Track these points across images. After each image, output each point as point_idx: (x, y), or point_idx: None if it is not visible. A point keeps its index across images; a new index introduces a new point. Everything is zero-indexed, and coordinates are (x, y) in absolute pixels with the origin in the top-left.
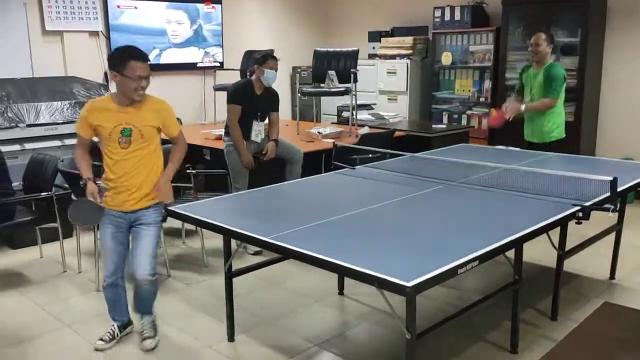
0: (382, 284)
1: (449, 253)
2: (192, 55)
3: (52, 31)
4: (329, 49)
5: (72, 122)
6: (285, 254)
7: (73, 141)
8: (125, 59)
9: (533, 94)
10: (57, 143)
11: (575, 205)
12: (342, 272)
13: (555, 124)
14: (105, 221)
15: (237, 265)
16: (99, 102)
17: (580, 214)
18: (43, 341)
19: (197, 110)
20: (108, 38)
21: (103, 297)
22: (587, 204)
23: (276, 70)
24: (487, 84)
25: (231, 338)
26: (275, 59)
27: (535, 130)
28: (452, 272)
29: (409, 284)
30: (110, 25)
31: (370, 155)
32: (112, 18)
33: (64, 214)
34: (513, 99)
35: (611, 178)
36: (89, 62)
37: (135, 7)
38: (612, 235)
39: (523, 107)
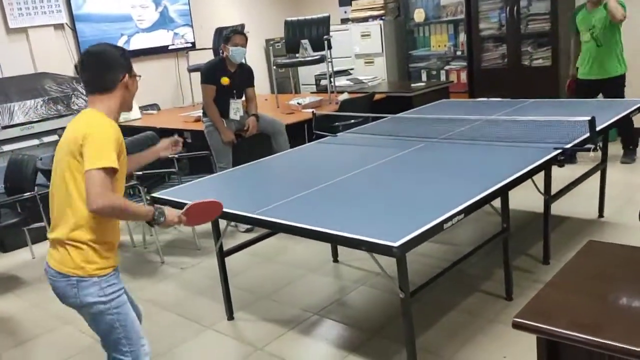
0: (371, 247)
1: (434, 209)
2: (161, 38)
3: (16, 28)
4: (300, 18)
5: (47, 119)
6: (273, 229)
7: (51, 138)
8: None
9: (595, 30)
10: (35, 142)
11: (556, 148)
12: (330, 240)
13: (622, 57)
14: (120, 291)
15: (229, 244)
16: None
17: (562, 157)
18: (45, 340)
19: (174, 94)
20: (74, 29)
21: None
22: (568, 146)
23: (243, 46)
24: (462, 37)
25: (230, 317)
26: (241, 34)
27: (602, 57)
28: (438, 228)
29: (396, 244)
30: (74, 16)
31: (352, 121)
32: (76, 8)
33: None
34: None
35: (589, 118)
36: (58, 56)
37: None
38: (598, 175)
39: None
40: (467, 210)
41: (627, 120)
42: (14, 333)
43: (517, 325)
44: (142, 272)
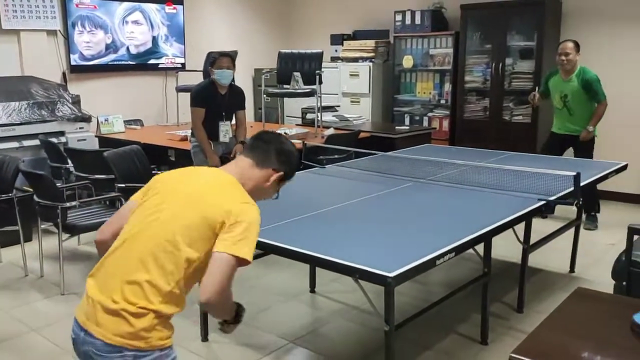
0: (363, 275)
1: (424, 246)
2: (152, 56)
3: (8, 30)
4: (294, 51)
5: (29, 123)
6: (266, 250)
7: (32, 142)
8: None
9: (569, 100)
10: (15, 144)
11: (540, 200)
12: (324, 265)
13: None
14: None
15: None
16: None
17: (544, 209)
18: (10, 345)
19: (159, 112)
20: (66, 37)
21: (68, 301)
22: (552, 198)
23: (229, 68)
24: (447, 86)
25: (205, 338)
26: (228, 56)
27: (575, 123)
28: (431, 263)
29: (391, 275)
30: (68, 25)
31: (336, 156)
32: (71, 17)
33: (24, 216)
34: (537, 97)
35: (574, 173)
36: (47, 61)
37: (95, 7)
38: (571, 231)
39: (591, 128)
40: (458, 250)
41: (590, 185)
42: None
43: None
44: None
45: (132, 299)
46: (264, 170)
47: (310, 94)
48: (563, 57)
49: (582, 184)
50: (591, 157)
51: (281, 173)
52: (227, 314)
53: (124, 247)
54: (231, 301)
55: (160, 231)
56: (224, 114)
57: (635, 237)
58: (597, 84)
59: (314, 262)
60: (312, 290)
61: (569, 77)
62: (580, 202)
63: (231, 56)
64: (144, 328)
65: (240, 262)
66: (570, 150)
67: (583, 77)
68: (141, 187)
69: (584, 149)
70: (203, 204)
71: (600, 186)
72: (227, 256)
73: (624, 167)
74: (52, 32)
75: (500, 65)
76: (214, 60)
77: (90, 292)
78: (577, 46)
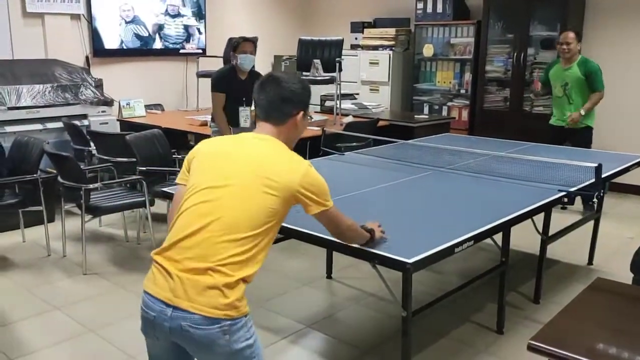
0: (382, 261)
1: (443, 233)
2: (174, 40)
3: (33, 13)
4: (314, 38)
5: (53, 105)
6: (288, 234)
7: (55, 125)
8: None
9: (569, 88)
10: (39, 126)
11: (560, 190)
12: (343, 251)
13: (590, 112)
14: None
15: None
16: None
17: (566, 199)
18: (33, 323)
19: (179, 97)
20: (90, 22)
21: (90, 280)
22: (572, 189)
23: (252, 53)
24: (468, 76)
25: None
26: (250, 41)
27: (573, 111)
28: (450, 251)
29: (410, 260)
30: (92, 9)
31: (355, 144)
32: (95, 1)
33: (48, 197)
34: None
35: (596, 164)
36: (70, 45)
37: None
38: (589, 224)
39: (583, 111)
40: (477, 238)
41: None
42: (2, 313)
43: (532, 348)
44: (135, 267)
45: (226, 270)
46: (287, 123)
47: (330, 81)
48: (565, 46)
49: (603, 176)
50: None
51: (301, 111)
52: (363, 239)
53: (200, 223)
54: (360, 232)
55: (235, 201)
56: (244, 99)
57: None
58: (599, 72)
59: (333, 247)
60: (329, 277)
61: (570, 65)
62: (602, 194)
63: (253, 41)
64: (237, 298)
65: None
66: (600, 143)
67: (585, 66)
68: (161, 170)
69: (581, 139)
70: (267, 170)
71: (620, 179)
72: (327, 212)
73: None
74: (75, 16)
75: (522, 55)
76: (236, 44)
77: (171, 269)
78: (578, 36)
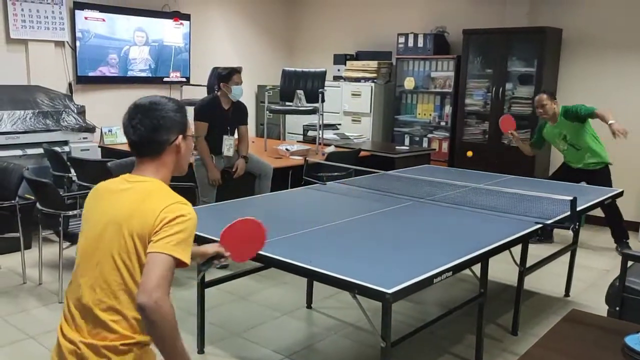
0: (362, 291)
1: (423, 264)
2: (158, 70)
3: (16, 39)
4: (297, 69)
5: (34, 131)
6: (268, 264)
7: (35, 151)
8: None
9: (569, 138)
10: (19, 152)
11: (537, 223)
12: (323, 280)
13: (602, 150)
14: None
15: (205, 277)
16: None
17: (540, 232)
18: (6, 352)
19: None
20: (74, 49)
21: None
22: (549, 221)
23: (241, 84)
24: (448, 109)
25: (201, 350)
26: (239, 72)
27: (586, 156)
28: (429, 281)
29: (390, 291)
30: (77, 37)
31: (336, 173)
32: (79, 29)
33: (25, 224)
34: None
35: (571, 198)
36: (54, 72)
37: (103, 20)
38: (566, 256)
39: (611, 121)
40: (456, 269)
41: (615, 211)
42: None
43: None
44: None
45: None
46: (165, 153)
47: (313, 111)
48: (540, 110)
49: (578, 209)
50: (611, 187)
51: (179, 135)
52: (173, 342)
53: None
54: (174, 315)
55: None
56: (228, 128)
57: (629, 263)
58: (579, 106)
59: (314, 277)
60: (309, 306)
61: (557, 121)
62: (577, 226)
63: (239, 71)
64: None
65: (177, 263)
66: None
67: (568, 111)
68: None
69: (600, 180)
70: (129, 223)
71: (597, 212)
72: (163, 256)
73: (620, 194)
74: (59, 43)
75: (501, 90)
76: (227, 75)
77: None
78: (551, 95)
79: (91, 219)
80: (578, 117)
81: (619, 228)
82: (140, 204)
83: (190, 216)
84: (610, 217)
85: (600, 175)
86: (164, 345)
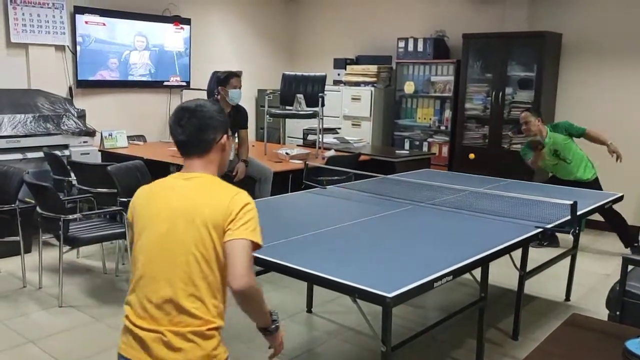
0: (362, 295)
1: (423, 268)
2: (158, 73)
3: (17, 43)
4: (297, 74)
5: (34, 135)
6: (266, 267)
7: (35, 155)
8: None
9: (560, 152)
10: (19, 156)
11: (537, 227)
12: (323, 284)
13: (590, 163)
14: None
15: None
16: None
17: (541, 237)
18: (6, 356)
19: (162, 129)
20: (74, 53)
21: (66, 313)
22: (549, 226)
23: (240, 88)
24: (448, 113)
25: None
26: (237, 76)
27: (576, 170)
28: (429, 285)
29: (390, 295)
30: (77, 41)
31: (336, 177)
32: (79, 33)
33: (26, 227)
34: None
35: (571, 202)
36: (54, 76)
37: (104, 24)
38: (567, 260)
39: (610, 141)
40: (456, 273)
41: (616, 217)
42: None
43: None
44: (113, 299)
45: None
46: (212, 151)
47: (313, 115)
48: (524, 127)
49: (578, 213)
50: None
51: (224, 135)
52: (260, 309)
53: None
54: (260, 289)
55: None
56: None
57: (630, 267)
58: (570, 124)
59: (314, 281)
60: (309, 310)
61: (546, 137)
62: (577, 231)
63: (239, 76)
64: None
65: (256, 248)
66: None
67: (557, 128)
68: None
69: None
70: (200, 214)
71: (598, 216)
72: (245, 242)
73: (620, 198)
74: (60, 47)
75: (500, 94)
76: (225, 79)
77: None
78: (534, 112)
79: (153, 216)
80: (570, 132)
81: (626, 234)
82: (207, 195)
83: (253, 204)
84: (613, 224)
85: (593, 185)
86: (256, 312)
